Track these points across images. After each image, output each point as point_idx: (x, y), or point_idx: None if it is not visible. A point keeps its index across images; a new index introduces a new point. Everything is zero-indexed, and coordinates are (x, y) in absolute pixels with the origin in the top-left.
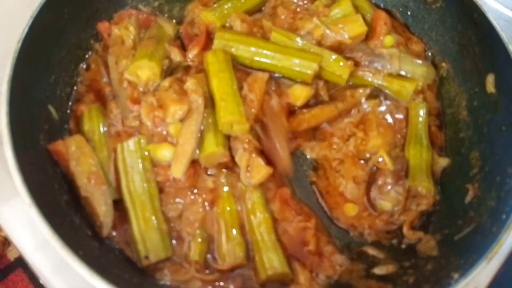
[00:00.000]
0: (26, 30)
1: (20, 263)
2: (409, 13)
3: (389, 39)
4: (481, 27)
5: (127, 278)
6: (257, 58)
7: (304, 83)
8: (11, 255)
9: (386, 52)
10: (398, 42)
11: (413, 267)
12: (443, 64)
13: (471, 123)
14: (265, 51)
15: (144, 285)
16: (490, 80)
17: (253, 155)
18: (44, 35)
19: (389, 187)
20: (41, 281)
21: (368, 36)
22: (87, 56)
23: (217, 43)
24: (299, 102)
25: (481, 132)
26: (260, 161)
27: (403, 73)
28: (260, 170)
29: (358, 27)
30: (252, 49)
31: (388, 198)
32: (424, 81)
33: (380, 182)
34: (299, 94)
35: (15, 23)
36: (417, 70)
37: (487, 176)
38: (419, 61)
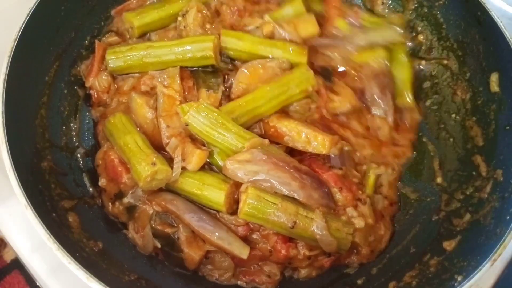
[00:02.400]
0: (22, 29)
1: (17, 264)
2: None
3: (341, 22)
4: (484, 25)
5: (125, 280)
6: (149, 60)
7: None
8: (7, 257)
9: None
10: None
11: (416, 269)
12: (447, 63)
13: (474, 122)
14: (157, 51)
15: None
16: (494, 79)
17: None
18: (40, 33)
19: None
20: (37, 283)
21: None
22: (83, 54)
23: (110, 62)
24: None
25: (485, 131)
26: (192, 147)
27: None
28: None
29: (311, 27)
30: (142, 52)
31: None
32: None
33: None
34: None
35: (11, 22)
36: (384, 33)
37: (490, 177)
38: (384, 26)
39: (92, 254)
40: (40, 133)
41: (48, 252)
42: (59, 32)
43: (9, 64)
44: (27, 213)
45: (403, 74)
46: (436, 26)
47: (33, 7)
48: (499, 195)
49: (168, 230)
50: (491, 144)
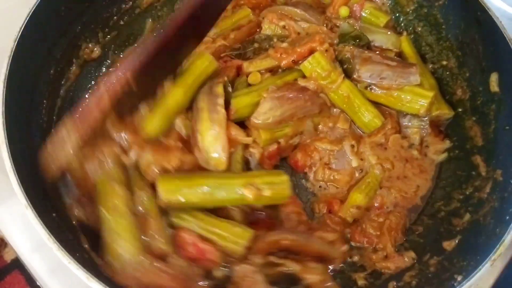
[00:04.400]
0: (22, 29)
1: (17, 264)
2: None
3: (344, 10)
4: (484, 25)
5: None
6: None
7: None
8: (8, 256)
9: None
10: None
11: (416, 269)
12: (446, 63)
13: (474, 122)
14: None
15: None
16: (493, 79)
17: None
18: (40, 34)
19: None
20: (38, 283)
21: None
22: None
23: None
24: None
25: (485, 131)
26: None
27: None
28: None
29: None
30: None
31: None
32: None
33: None
34: None
35: (11, 22)
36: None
37: (490, 177)
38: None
39: (93, 254)
40: (41, 133)
41: (48, 252)
42: (59, 32)
43: (9, 64)
44: (27, 213)
45: None
46: (436, 26)
47: (33, 7)
48: (498, 195)
49: (284, 269)
50: (490, 144)
